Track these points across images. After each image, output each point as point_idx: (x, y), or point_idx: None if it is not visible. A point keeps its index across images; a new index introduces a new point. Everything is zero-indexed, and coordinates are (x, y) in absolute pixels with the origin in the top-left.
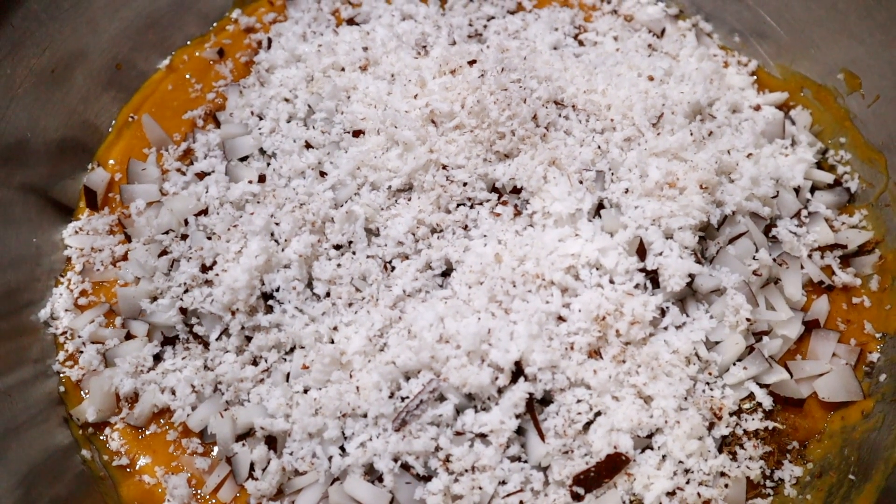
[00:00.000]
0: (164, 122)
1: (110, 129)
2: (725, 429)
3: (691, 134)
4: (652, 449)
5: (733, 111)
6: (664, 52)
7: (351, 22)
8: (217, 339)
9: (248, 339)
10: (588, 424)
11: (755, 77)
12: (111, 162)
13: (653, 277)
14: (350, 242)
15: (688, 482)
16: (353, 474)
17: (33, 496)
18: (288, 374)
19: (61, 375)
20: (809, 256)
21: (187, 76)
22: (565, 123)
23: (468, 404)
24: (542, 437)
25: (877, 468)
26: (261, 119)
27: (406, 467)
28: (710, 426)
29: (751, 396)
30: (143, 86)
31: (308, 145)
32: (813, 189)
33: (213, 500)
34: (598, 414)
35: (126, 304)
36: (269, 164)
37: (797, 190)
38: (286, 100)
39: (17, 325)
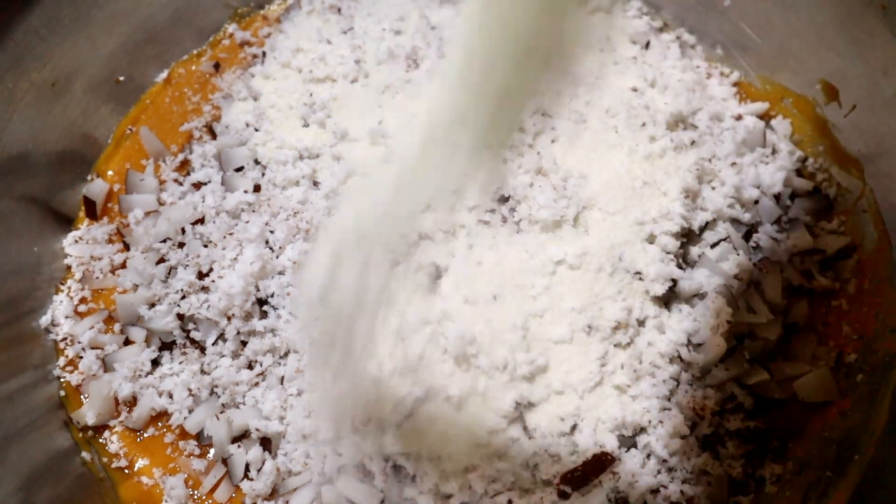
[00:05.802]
0: (162, 133)
1: (109, 141)
2: (708, 428)
3: (672, 142)
4: (636, 448)
5: (715, 120)
6: (648, 64)
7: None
8: (213, 344)
9: (244, 343)
10: (574, 425)
11: (737, 87)
12: (110, 173)
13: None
14: None
15: (671, 480)
16: (345, 474)
17: (35, 498)
18: (282, 378)
19: (62, 380)
20: (789, 261)
21: (184, 89)
22: (551, 133)
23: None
24: (529, 437)
25: (853, 465)
26: (256, 130)
27: (397, 467)
28: (693, 426)
29: (732, 397)
30: (141, 98)
31: (301, 156)
32: (793, 196)
33: (210, 501)
34: (583, 414)
35: (125, 310)
36: (263, 174)
37: (777, 197)
38: (280, 111)
39: (18, 332)
